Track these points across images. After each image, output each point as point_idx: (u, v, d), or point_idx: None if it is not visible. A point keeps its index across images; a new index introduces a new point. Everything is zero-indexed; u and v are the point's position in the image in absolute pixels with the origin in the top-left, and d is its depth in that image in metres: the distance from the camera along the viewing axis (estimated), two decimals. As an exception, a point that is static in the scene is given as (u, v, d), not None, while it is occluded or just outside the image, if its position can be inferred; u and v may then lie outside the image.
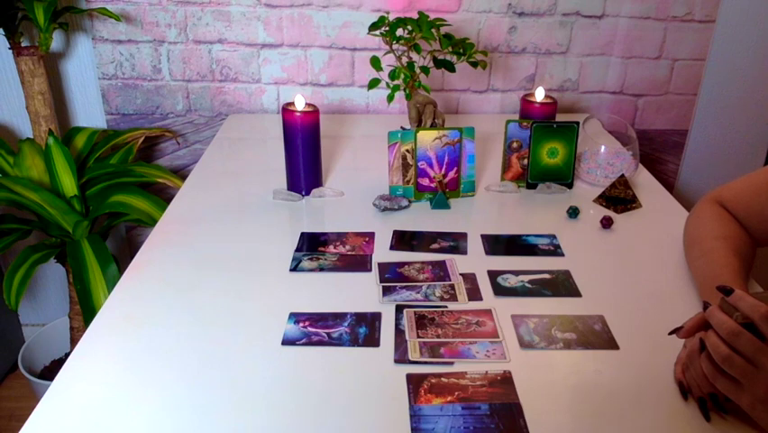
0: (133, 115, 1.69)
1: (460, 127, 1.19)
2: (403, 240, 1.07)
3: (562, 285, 0.94)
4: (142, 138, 1.64)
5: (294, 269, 0.98)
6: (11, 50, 1.50)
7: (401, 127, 1.24)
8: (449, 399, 0.71)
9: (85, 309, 1.31)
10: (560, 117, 1.38)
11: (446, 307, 0.88)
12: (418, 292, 0.91)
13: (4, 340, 1.89)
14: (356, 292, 0.92)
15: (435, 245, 1.05)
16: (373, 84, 1.27)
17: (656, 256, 1.02)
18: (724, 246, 0.87)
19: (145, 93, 1.67)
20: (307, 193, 1.22)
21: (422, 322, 0.84)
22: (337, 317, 0.86)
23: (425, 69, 1.26)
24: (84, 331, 0.84)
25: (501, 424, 0.68)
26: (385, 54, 1.29)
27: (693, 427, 0.68)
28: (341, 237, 1.07)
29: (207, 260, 1.00)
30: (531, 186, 1.25)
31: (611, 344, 0.81)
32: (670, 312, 0.88)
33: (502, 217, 1.17)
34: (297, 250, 1.03)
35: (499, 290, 0.92)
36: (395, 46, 1.28)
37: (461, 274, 0.96)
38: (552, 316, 0.87)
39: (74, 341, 1.68)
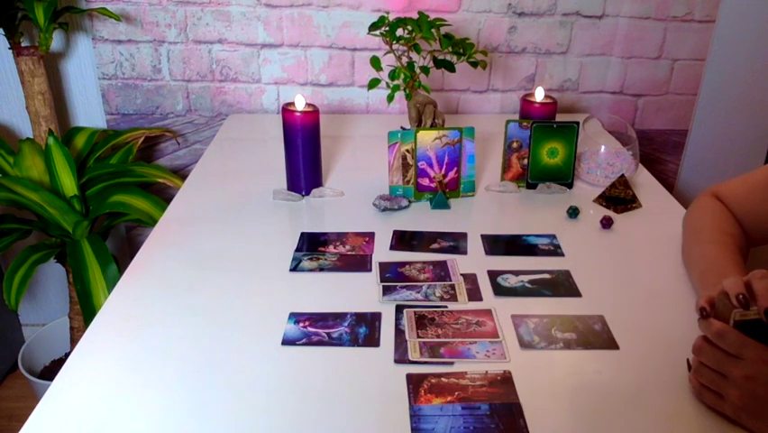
0: (133, 115, 1.69)
1: (460, 127, 1.19)
2: (403, 240, 1.07)
3: (562, 285, 0.94)
4: (142, 138, 1.64)
5: (294, 269, 0.98)
6: (11, 50, 1.50)
7: (401, 127, 1.24)
8: (449, 399, 0.71)
9: (85, 309, 1.31)
10: (560, 117, 1.38)
11: (446, 307, 0.88)
12: (418, 292, 0.91)
13: (4, 340, 1.89)
14: (356, 292, 0.92)
15: (435, 245, 1.05)
16: (373, 84, 1.27)
17: (656, 256, 1.02)
18: (732, 242, 0.89)
19: (145, 93, 1.67)
20: (307, 193, 1.22)
21: (422, 322, 0.84)
22: (337, 317, 0.86)
23: (425, 69, 1.26)
24: (84, 331, 0.84)
25: (501, 424, 0.68)
26: (385, 54, 1.29)
27: (693, 427, 0.68)
28: (341, 237, 1.07)
29: (207, 260, 1.00)
30: (531, 186, 1.25)
31: (611, 344, 0.81)
32: (670, 312, 0.88)
33: (502, 217, 1.17)
34: (297, 250, 1.03)
35: (499, 290, 0.92)
36: (395, 46, 1.28)
37: (461, 274, 0.96)
38: (552, 316, 0.87)
39: (74, 341, 1.68)
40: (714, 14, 1.63)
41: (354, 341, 0.81)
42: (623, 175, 1.21)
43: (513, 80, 1.70)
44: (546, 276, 0.96)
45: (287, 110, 1.16)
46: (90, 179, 1.54)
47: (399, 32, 1.27)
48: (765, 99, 1.74)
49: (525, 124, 1.22)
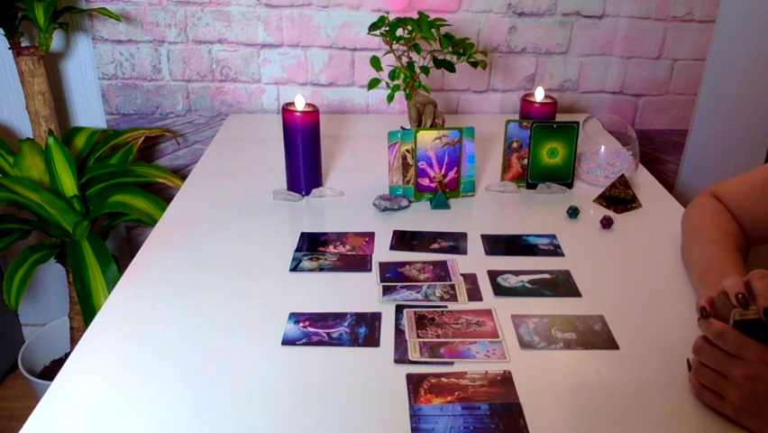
0: (133, 115, 1.69)
1: (460, 127, 1.19)
2: (403, 240, 1.07)
3: (562, 285, 0.94)
4: (142, 138, 1.64)
5: (294, 269, 0.98)
6: (11, 50, 1.50)
7: (401, 127, 1.24)
8: (449, 399, 0.71)
9: (85, 309, 1.31)
10: (560, 117, 1.38)
11: (446, 307, 0.88)
12: (418, 292, 0.91)
13: (4, 340, 1.89)
14: (356, 292, 0.92)
15: (435, 245, 1.05)
16: (373, 84, 1.27)
17: (656, 256, 1.02)
18: (731, 241, 0.89)
19: (145, 93, 1.67)
20: (307, 193, 1.22)
21: (422, 322, 0.84)
22: (337, 318, 0.86)
23: (425, 69, 1.26)
24: (84, 331, 0.84)
25: (501, 424, 0.68)
26: (385, 54, 1.29)
27: (693, 427, 0.68)
28: (341, 237, 1.07)
29: (207, 260, 1.00)
30: (531, 186, 1.25)
31: (611, 344, 0.81)
32: (670, 312, 0.88)
33: (502, 217, 1.17)
34: (297, 250, 1.03)
35: (499, 290, 0.92)
36: (395, 46, 1.28)
37: (461, 274, 0.96)
38: (552, 316, 0.87)
39: (74, 341, 1.68)
40: (714, 14, 1.63)
41: (354, 341, 0.81)
42: (623, 175, 1.21)
43: (513, 80, 1.70)
44: (546, 276, 0.96)
45: (287, 110, 1.16)
46: (90, 179, 1.54)
47: (399, 32, 1.27)
48: (765, 99, 1.74)
49: (525, 124, 1.22)
